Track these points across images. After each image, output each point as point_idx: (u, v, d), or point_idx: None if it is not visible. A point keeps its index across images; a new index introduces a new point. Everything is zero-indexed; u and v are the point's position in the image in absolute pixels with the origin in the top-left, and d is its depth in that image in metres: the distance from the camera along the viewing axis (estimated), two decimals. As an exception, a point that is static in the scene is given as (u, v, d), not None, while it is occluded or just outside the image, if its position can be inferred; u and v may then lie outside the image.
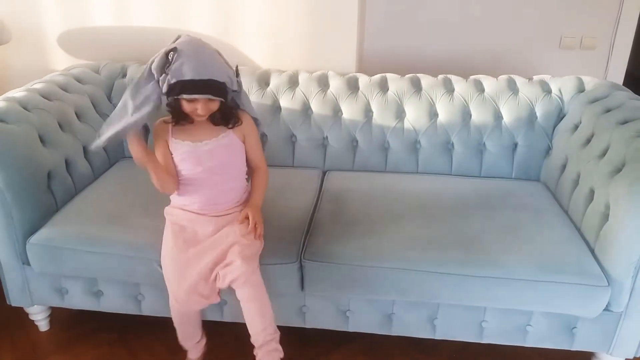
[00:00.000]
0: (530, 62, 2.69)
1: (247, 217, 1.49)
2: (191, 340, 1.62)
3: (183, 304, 1.48)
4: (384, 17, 2.27)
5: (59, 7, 2.24)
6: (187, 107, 1.40)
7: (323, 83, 2.05)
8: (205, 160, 1.48)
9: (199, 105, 1.38)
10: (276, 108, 2.03)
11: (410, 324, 1.62)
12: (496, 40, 2.68)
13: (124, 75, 2.12)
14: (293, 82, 2.06)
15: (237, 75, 1.45)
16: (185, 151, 1.47)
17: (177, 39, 1.40)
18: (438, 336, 1.63)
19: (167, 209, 1.58)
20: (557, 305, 1.49)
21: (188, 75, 1.33)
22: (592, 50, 2.64)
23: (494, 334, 1.60)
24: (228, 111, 1.47)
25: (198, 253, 1.46)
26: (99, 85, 2.08)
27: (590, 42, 2.63)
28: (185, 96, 1.36)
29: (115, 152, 2.09)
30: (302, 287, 1.57)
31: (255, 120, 1.56)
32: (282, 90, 2.04)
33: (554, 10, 2.60)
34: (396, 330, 1.63)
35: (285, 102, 2.03)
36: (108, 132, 1.38)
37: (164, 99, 1.40)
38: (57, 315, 1.86)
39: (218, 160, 1.49)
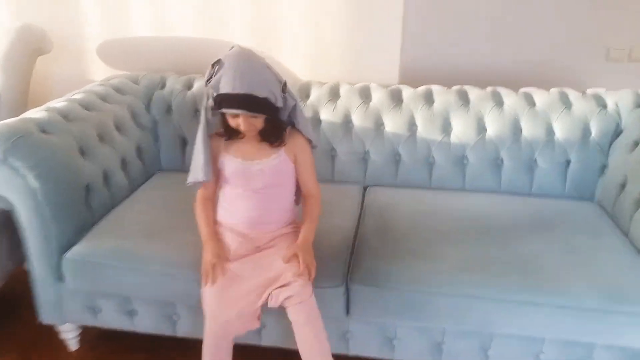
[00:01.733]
0: (576, 74, 2.57)
1: (295, 256, 1.38)
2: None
3: (221, 328, 1.39)
4: (425, 28, 2.20)
5: (99, 18, 2.23)
6: (231, 121, 1.36)
7: (365, 95, 1.98)
8: (254, 180, 1.42)
9: (240, 122, 1.34)
10: (316, 121, 1.97)
11: (461, 354, 1.52)
12: (539, 52, 2.57)
13: (163, 86, 2.09)
14: (334, 94, 1.99)
15: (284, 91, 1.38)
16: (235, 168, 1.43)
17: (230, 49, 1.35)
18: (491, 367, 1.53)
19: None
20: (624, 338, 1.38)
21: (225, 88, 1.30)
22: (641, 62, 2.52)
23: (552, 367, 1.50)
24: (276, 129, 1.41)
25: (242, 275, 1.39)
26: (137, 96, 2.05)
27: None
28: (224, 110, 1.33)
29: (152, 164, 2.04)
30: (348, 312, 1.49)
31: (309, 141, 1.48)
32: (323, 103, 1.97)
33: (600, 22, 2.49)
34: (446, 360, 1.54)
35: (325, 114, 1.96)
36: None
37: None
38: (87, 333, 1.80)
39: (267, 181, 1.43)
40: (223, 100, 1.31)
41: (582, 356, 1.46)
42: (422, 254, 1.52)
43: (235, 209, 1.46)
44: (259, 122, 1.36)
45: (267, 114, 1.34)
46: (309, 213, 1.48)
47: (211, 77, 1.32)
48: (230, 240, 1.45)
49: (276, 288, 1.35)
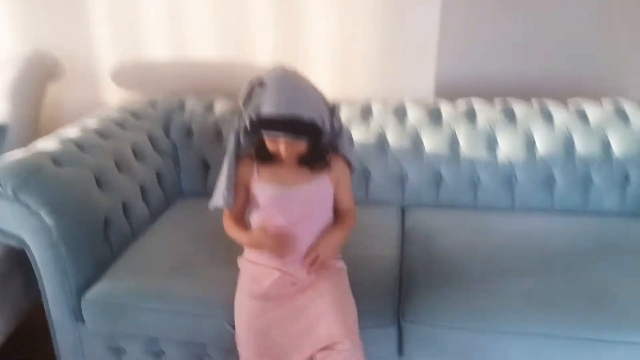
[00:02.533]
0: (619, 85, 2.45)
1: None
2: None
3: None
4: (461, 40, 2.09)
5: (112, 40, 2.13)
6: (269, 145, 1.23)
7: (400, 113, 1.85)
8: (293, 208, 1.28)
9: (281, 146, 1.21)
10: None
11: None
12: (579, 61, 2.46)
13: (182, 109, 1.97)
14: (366, 113, 1.86)
15: (334, 114, 1.25)
16: (272, 196, 1.28)
17: (272, 68, 1.23)
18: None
19: (241, 260, 1.37)
20: None
21: (267, 110, 1.17)
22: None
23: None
24: (318, 154, 1.27)
25: (280, 321, 1.25)
26: (155, 121, 1.93)
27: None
28: (264, 133, 1.20)
29: (173, 190, 1.91)
30: (401, 353, 1.33)
31: (350, 165, 1.35)
32: (354, 124, 1.84)
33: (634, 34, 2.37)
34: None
35: (357, 135, 1.83)
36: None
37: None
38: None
39: (307, 209, 1.29)
40: (264, 123, 1.18)
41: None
42: (480, 287, 1.36)
43: None
44: (302, 146, 1.23)
45: (312, 138, 1.21)
46: (341, 221, 1.34)
47: (250, 96, 1.20)
48: (263, 276, 1.30)
49: (320, 350, 1.20)
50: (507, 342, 1.27)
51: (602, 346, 1.23)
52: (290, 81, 1.20)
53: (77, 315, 1.46)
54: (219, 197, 1.30)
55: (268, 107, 1.17)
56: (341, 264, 1.37)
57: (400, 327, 1.31)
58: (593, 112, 1.76)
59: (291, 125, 1.17)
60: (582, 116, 1.76)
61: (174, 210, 1.84)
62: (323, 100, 1.23)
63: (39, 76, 1.96)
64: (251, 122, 1.21)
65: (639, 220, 1.70)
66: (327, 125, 1.23)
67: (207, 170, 1.92)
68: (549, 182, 1.74)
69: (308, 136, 1.20)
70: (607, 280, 1.37)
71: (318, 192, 1.30)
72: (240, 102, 1.23)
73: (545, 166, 1.73)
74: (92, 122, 1.73)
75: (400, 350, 1.34)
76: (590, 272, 1.41)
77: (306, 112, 1.17)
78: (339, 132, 1.28)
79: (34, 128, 1.95)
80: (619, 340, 1.23)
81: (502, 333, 1.26)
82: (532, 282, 1.37)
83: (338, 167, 1.32)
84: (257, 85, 1.20)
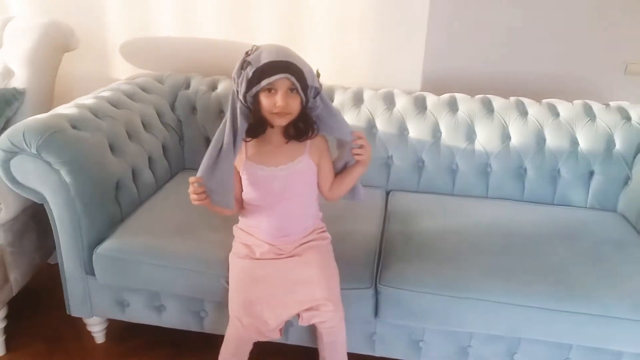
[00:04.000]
0: (595, 87, 2.60)
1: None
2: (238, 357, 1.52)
3: (246, 332, 1.40)
4: (448, 37, 2.22)
5: (124, 16, 2.24)
6: (266, 102, 1.27)
7: (389, 101, 2.00)
8: (278, 186, 1.39)
9: (278, 97, 1.26)
10: (341, 125, 1.98)
11: (488, 358, 1.53)
12: (558, 64, 2.60)
13: (188, 87, 2.10)
14: (358, 99, 2.01)
15: (319, 76, 1.34)
16: (259, 176, 1.39)
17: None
18: (516, 372, 1.54)
19: (235, 230, 1.52)
20: (651, 347, 1.40)
21: (266, 59, 1.24)
22: (661, 77, 2.54)
23: (577, 373, 1.51)
24: (305, 121, 1.35)
25: (266, 279, 1.40)
26: (162, 96, 2.06)
27: (658, 69, 2.53)
28: (264, 83, 1.24)
29: (177, 163, 2.06)
30: (376, 314, 1.50)
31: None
32: (347, 108, 1.99)
33: (619, 36, 2.51)
34: (471, 364, 1.55)
35: (349, 119, 1.98)
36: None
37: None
38: (113, 327, 1.82)
39: (292, 186, 1.40)
40: (264, 71, 1.24)
41: (609, 363, 1.47)
42: (450, 260, 1.53)
43: (256, 216, 1.43)
44: (295, 104, 1.29)
45: (305, 90, 1.28)
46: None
47: (243, 66, 1.27)
48: (255, 246, 1.45)
49: (307, 311, 1.37)
50: (465, 307, 1.43)
51: (556, 315, 1.40)
52: (282, 45, 1.31)
53: (88, 268, 1.61)
54: (223, 197, 1.36)
55: (267, 56, 1.24)
56: (327, 235, 1.53)
57: (377, 291, 1.47)
58: (564, 108, 1.92)
59: (290, 68, 1.24)
60: (554, 112, 1.91)
61: (178, 181, 1.98)
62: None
63: (56, 46, 2.04)
64: (251, 78, 1.24)
65: (600, 212, 1.87)
66: (317, 83, 1.31)
67: (208, 147, 2.05)
68: (520, 172, 1.91)
69: (303, 85, 1.27)
70: (563, 261, 1.54)
71: (302, 170, 1.40)
72: (236, 73, 1.28)
73: (518, 157, 1.89)
74: (105, 93, 1.87)
75: (376, 311, 1.50)
76: (548, 253, 1.57)
77: (300, 63, 1.28)
78: (321, 101, 1.35)
79: (50, 96, 2.05)
80: (568, 310, 1.39)
81: (461, 299, 1.42)
82: (495, 258, 1.54)
83: (319, 144, 1.42)
84: (250, 53, 1.27)
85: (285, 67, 1.25)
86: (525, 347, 1.49)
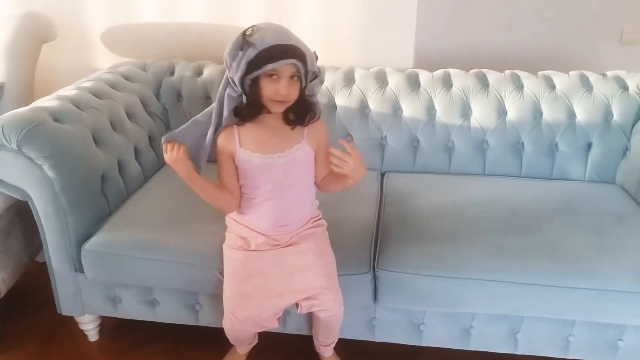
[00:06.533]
0: (590, 57, 2.55)
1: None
2: (243, 344, 1.55)
3: (241, 324, 1.38)
4: (440, 11, 2.16)
5: (102, 4, 2.16)
6: (268, 88, 1.22)
7: (381, 80, 1.94)
8: (277, 175, 1.33)
9: (282, 84, 1.21)
10: (331, 107, 1.93)
11: (490, 339, 1.51)
12: (553, 35, 2.55)
13: (172, 73, 2.03)
14: (349, 79, 1.95)
15: (317, 58, 1.28)
16: (255, 164, 1.32)
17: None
18: (520, 351, 1.51)
19: (229, 220, 1.46)
20: (656, 320, 1.37)
21: (273, 41, 1.18)
22: (656, 45, 2.49)
23: (581, 349, 1.49)
24: (304, 105, 1.31)
25: (262, 271, 1.36)
26: (146, 84, 2.00)
27: (654, 37, 2.48)
28: (269, 67, 1.18)
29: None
30: (375, 299, 1.46)
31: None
32: (338, 88, 1.93)
33: (614, 5, 2.46)
34: (474, 345, 1.52)
35: (341, 100, 1.93)
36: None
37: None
38: (106, 324, 1.78)
39: (290, 175, 1.34)
40: (272, 54, 1.17)
41: (613, 338, 1.45)
42: (449, 241, 1.49)
43: (253, 207, 1.38)
44: (296, 91, 1.25)
45: (305, 75, 1.25)
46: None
47: (248, 41, 1.18)
48: (249, 238, 1.40)
49: (307, 300, 1.34)
50: (467, 287, 1.40)
51: (559, 292, 1.37)
52: (281, 25, 1.24)
53: (77, 265, 1.57)
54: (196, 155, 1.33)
55: (272, 38, 1.17)
56: (322, 222, 1.48)
57: (375, 275, 1.44)
58: (560, 80, 1.87)
59: (295, 53, 1.19)
60: (550, 84, 1.86)
61: (165, 171, 1.91)
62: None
63: (34, 37, 1.97)
64: (254, 60, 1.18)
65: (599, 184, 1.84)
66: (315, 67, 1.26)
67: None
68: (517, 147, 1.86)
69: (309, 70, 1.23)
70: (564, 236, 1.50)
71: (300, 157, 1.35)
72: (230, 54, 1.21)
73: (515, 132, 1.85)
74: (87, 83, 1.80)
75: (375, 296, 1.46)
76: (550, 228, 1.54)
77: (304, 48, 1.22)
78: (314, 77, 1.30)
79: (30, 89, 1.99)
80: (573, 286, 1.36)
81: (462, 280, 1.39)
82: (495, 237, 1.50)
83: (318, 131, 1.37)
84: (251, 29, 1.20)
85: (293, 52, 1.20)
86: (527, 326, 1.47)
